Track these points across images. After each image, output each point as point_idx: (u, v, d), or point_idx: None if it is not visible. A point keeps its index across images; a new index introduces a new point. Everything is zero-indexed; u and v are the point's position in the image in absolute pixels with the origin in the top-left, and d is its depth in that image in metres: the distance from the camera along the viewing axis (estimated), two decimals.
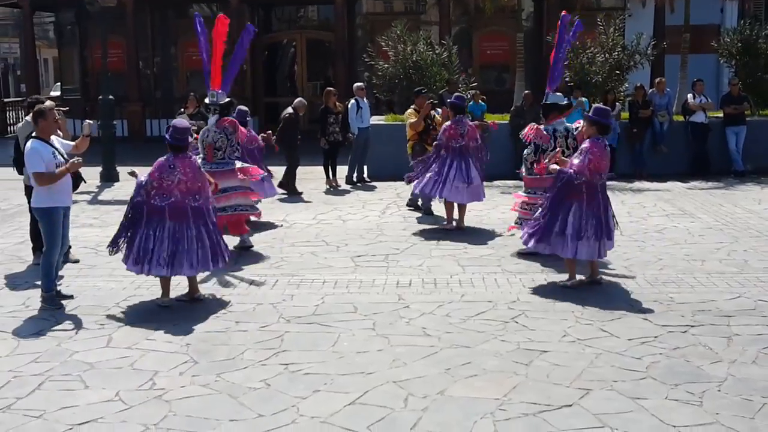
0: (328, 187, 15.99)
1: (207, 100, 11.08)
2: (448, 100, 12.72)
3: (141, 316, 8.13)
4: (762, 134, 17.28)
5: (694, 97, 17.31)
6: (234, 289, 9.01)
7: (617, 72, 18.36)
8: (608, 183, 15.60)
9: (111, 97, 18.04)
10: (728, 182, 16.09)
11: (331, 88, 17.14)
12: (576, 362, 6.73)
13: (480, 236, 11.52)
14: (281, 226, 12.44)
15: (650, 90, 17.81)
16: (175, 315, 8.11)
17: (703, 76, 18.36)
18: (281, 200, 14.61)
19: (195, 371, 6.67)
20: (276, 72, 28.37)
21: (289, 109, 15.73)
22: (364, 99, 16.93)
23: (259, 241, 11.32)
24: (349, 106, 16.53)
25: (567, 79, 18.61)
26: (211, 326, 7.76)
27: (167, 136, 8.48)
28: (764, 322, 7.65)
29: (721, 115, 17.45)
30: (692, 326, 7.58)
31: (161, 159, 8.41)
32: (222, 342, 7.34)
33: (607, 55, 18.27)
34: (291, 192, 15.29)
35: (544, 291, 8.80)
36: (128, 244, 8.35)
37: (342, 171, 16.47)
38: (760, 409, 5.82)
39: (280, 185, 14.97)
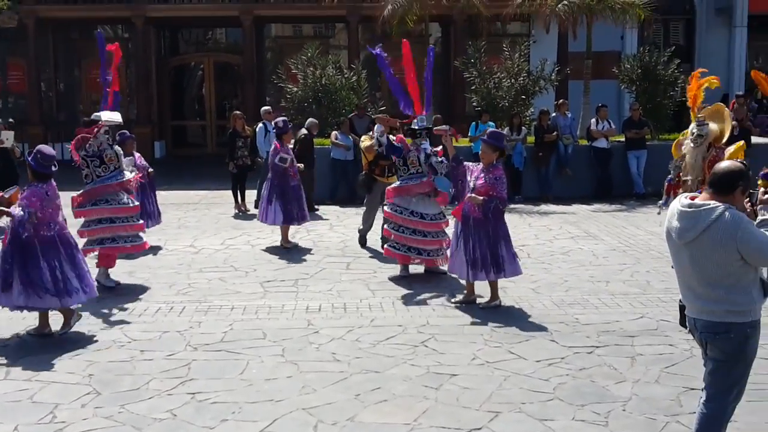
0: (236, 211, 15.80)
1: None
2: (275, 122, 13.00)
3: (41, 346, 7.87)
4: (662, 158, 17.55)
5: (598, 123, 17.73)
6: (139, 317, 8.80)
7: (523, 97, 18.71)
8: (515, 206, 16.02)
9: (11, 120, 17.59)
10: (630, 205, 16.50)
11: (238, 112, 17.01)
12: (485, 385, 6.77)
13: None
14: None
15: (553, 114, 18.16)
16: (77, 345, 7.87)
17: (605, 101, 18.83)
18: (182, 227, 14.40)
19: (98, 403, 6.47)
20: (183, 95, 28.08)
21: (304, 130, 15.95)
22: (272, 122, 16.85)
23: (165, 267, 11.12)
24: (257, 129, 16.41)
25: (474, 103, 18.92)
26: (115, 356, 7.56)
27: (31, 161, 8.04)
28: (666, 342, 7.84)
29: (622, 139, 17.92)
30: (597, 347, 7.72)
31: (35, 188, 7.97)
32: (126, 372, 7.15)
33: (513, 80, 18.61)
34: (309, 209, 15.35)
35: (453, 314, 8.85)
36: (28, 284, 7.85)
37: (251, 195, 16.31)
38: (664, 428, 5.94)
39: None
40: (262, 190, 12.71)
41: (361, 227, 12.40)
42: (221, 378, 6.99)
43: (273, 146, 12.66)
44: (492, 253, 8.87)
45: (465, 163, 9.48)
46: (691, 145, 10.07)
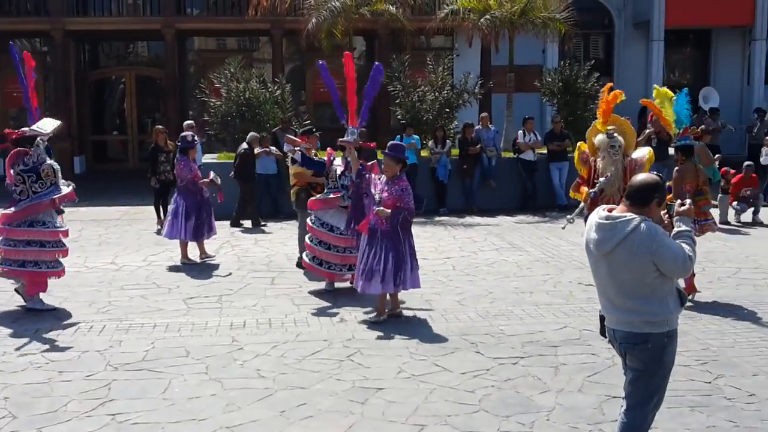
0: (159, 227, 15.53)
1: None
2: (181, 136, 12.84)
3: None
4: None
5: (524, 135, 17.95)
6: (57, 337, 8.57)
7: (447, 110, 18.86)
8: (440, 218, 16.12)
9: None
10: (553, 216, 16.71)
11: (160, 126, 16.77)
12: (411, 398, 6.77)
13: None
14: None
15: (476, 127, 18.33)
16: None
17: (527, 114, 19.07)
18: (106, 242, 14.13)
19: (14, 427, 6.28)
20: (104, 109, 27.59)
21: (244, 145, 16.09)
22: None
23: (85, 285, 10.88)
24: None
25: (398, 116, 19.00)
26: (32, 377, 7.34)
27: None
28: (589, 351, 7.95)
29: (545, 151, 18.16)
30: (522, 357, 7.79)
31: None
32: (44, 394, 6.95)
33: (437, 93, 18.76)
34: (254, 224, 15.72)
35: (379, 327, 8.82)
36: None
37: None
38: None
39: (232, 223, 15.61)
40: (170, 204, 12.53)
41: (299, 255, 11.62)
42: (143, 398, 6.85)
43: (181, 162, 12.43)
44: (395, 266, 8.88)
45: (367, 176, 9.50)
46: (613, 157, 10.21)
